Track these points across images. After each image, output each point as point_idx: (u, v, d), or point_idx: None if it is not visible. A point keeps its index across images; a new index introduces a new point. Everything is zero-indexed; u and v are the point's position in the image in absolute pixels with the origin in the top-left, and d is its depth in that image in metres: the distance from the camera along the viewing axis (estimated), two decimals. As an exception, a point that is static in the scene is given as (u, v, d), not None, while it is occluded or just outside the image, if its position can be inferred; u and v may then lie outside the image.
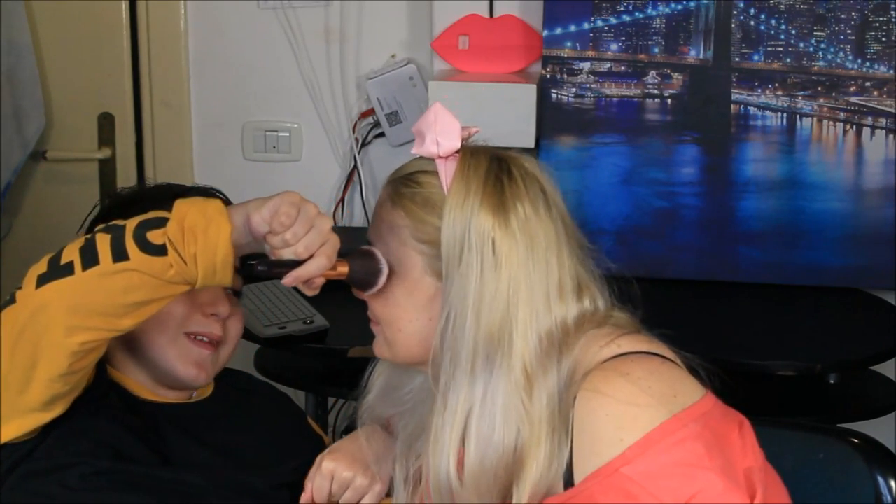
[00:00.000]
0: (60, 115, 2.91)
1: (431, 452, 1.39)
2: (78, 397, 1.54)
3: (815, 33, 2.52)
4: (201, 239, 1.41)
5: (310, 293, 1.45)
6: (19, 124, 2.80)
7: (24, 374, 1.47)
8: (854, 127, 2.54)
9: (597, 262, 1.47)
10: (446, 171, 1.42)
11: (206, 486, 1.60)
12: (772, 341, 2.39)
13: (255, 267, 1.41)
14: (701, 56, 2.56)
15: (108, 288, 1.42)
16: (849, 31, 2.50)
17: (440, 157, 1.43)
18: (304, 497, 1.60)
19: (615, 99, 2.61)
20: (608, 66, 2.59)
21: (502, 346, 1.37)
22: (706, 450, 1.30)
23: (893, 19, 2.49)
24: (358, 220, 2.83)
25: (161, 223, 1.42)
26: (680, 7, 2.54)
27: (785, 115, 2.56)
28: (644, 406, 1.31)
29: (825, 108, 2.54)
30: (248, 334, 2.23)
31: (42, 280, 1.43)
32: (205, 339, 1.68)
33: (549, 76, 2.59)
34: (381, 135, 2.79)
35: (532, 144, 2.53)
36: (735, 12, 2.53)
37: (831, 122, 2.55)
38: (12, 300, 1.46)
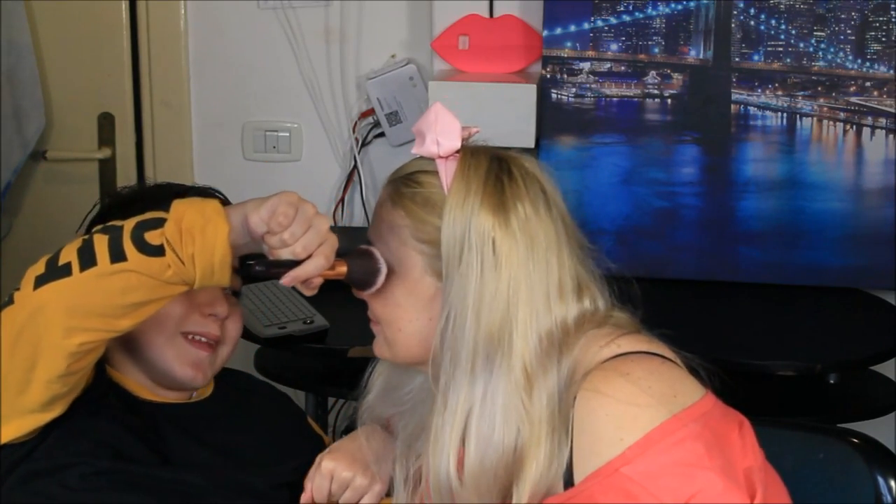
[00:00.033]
0: (60, 115, 2.91)
1: (431, 452, 1.39)
2: (77, 397, 1.54)
3: (815, 33, 2.52)
4: (199, 239, 1.41)
5: (308, 293, 1.45)
6: (19, 124, 2.79)
7: (23, 375, 1.47)
8: (854, 127, 2.54)
9: (597, 262, 1.47)
10: (446, 171, 1.42)
11: (206, 486, 1.60)
12: (772, 341, 2.39)
13: (253, 267, 1.41)
14: (701, 56, 2.56)
15: (106, 289, 1.42)
16: (849, 31, 2.50)
17: (440, 157, 1.43)
18: (304, 497, 1.60)
19: (615, 99, 2.61)
20: (608, 66, 2.59)
21: (502, 346, 1.37)
22: (706, 449, 1.30)
23: (893, 19, 2.49)
24: (358, 220, 2.83)
25: (159, 224, 1.42)
26: (680, 7, 2.54)
27: (785, 115, 2.56)
28: (644, 406, 1.31)
29: (825, 108, 2.55)
30: (248, 334, 2.24)
31: (40, 281, 1.43)
32: (203, 339, 1.68)
33: (549, 76, 2.59)
34: (381, 135, 2.79)
35: (532, 144, 2.53)
36: (735, 12, 2.53)
37: (831, 122, 2.55)
38: (10, 301, 1.46)
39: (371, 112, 2.77)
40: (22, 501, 1.53)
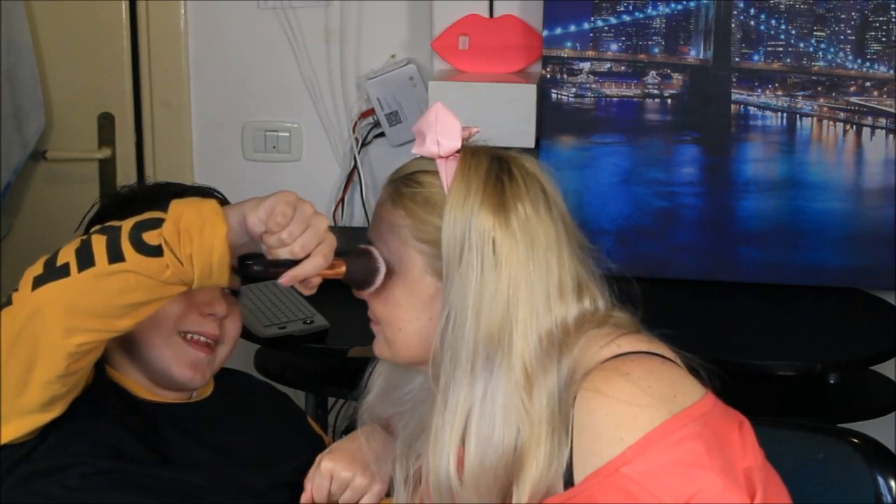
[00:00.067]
0: (60, 115, 2.91)
1: (431, 452, 1.39)
2: (77, 398, 1.54)
3: (815, 33, 2.52)
4: (197, 239, 1.41)
5: (306, 293, 1.45)
6: (19, 124, 2.79)
7: (21, 375, 1.47)
8: (854, 127, 2.54)
9: (597, 262, 1.47)
10: (447, 171, 1.42)
11: (206, 486, 1.60)
12: (772, 341, 2.39)
13: (252, 267, 1.41)
14: (701, 56, 2.56)
15: (104, 289, 1.42)
16: (849, 31, 2.50)
17: (441, 156, 1.43)
18: (303, 497, 1.60)
19: (615, 99, 2.61)
20: (608, 66, 2.59)
21: (502, 346, 1.37)
22: (706, 449, 1.30)
23: (893, 19, 2.49)
24: (358, 220, 2.83)
25: (157, 224, 1.42)
26: (680, 7, 2.54)
27: (785, 115, 2.56)
28: (644, 406, 1.31)
29: (825, 108, 2.55)
30: (248, 334, 2.24)
31: (38, 282, 1.43)
32: (201, 338, 1.68)
33: (549, 76, 2.59)
34: (381, 135, 2.79)
35: (532, 144, 2.53)
36: (735, 12, 2.53)
37: (831, 122, 2.55)
38: (9, 302, 1.46)
39: (371, 112, 2.77)
40: (22, 501, 1.53)
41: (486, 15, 2.65)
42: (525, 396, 1.36)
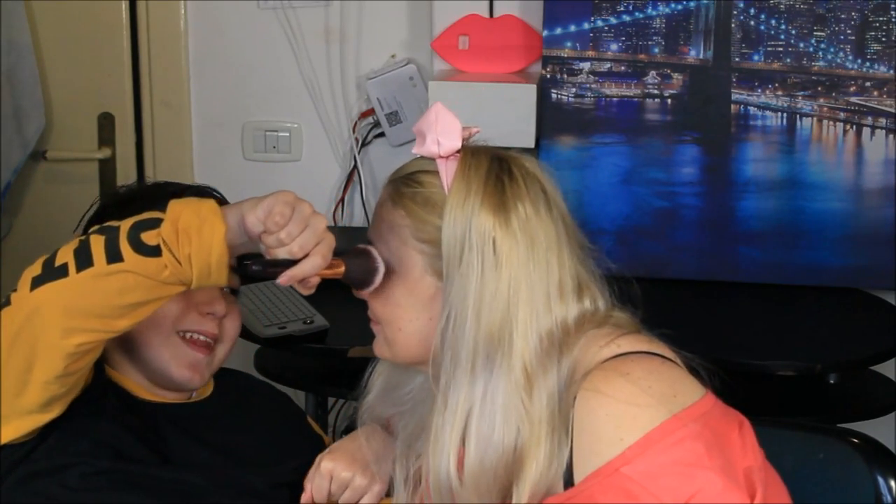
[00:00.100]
0: (60, 115, 2.91)
1: (431, 452, 1.39)
2: (77, 398, 1.54)
3: (815, 33, 2.52)
4: (195, 239, 1.41)
5: (305, 292, 1.45)
6: (19, 124, 2.79)
7: (20, 376, 1.47)
8: (854, 127, 2.54)
9: (597, 262, 1.47)
10: (447, 171, 1.42)
11: (206, 486, 1.60)
12: (772, 341, 2.39)
13: (250, 267, 1.41)
14: (701, 56, 2.56)
15: (102, 289, 1.42)
16: (849, 31, 2.50)
17: (441, 156, 1.43)
18: (303, 497, 1.60)
19: (615, 99, 2.61)
20: (608, 66, 2.59)
21: (502, 346, 1.37)
22: (706, 449, 1.30)
23: (893, 19, 2.49)
24: (358, 220, 2.83)
25: (155, 224, 1.42)
26: (680, 7, 2.54)
27: (785, 115, 2.56)
28: (644, 406, 1.31)
29: (825, 108, 2.54)
30: (248, 334, 2.24)
31: (36, 282, 1.43)
32: (201, 337, 1.68)
33: (549, 76, 2.59)
34: (381, 135, 2.79)
35: (532, 144, 2.53)
36: (735, 12, 2.53)
37: (831, 122, 2.55)
38: (7, 302, 1.46)
39: (371, 112, 2.77)
40: (22, 502, 1.53)
41: (486, 15, 2.65)
42: (525, 396, 1.36)
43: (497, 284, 1.38)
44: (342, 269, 1.44)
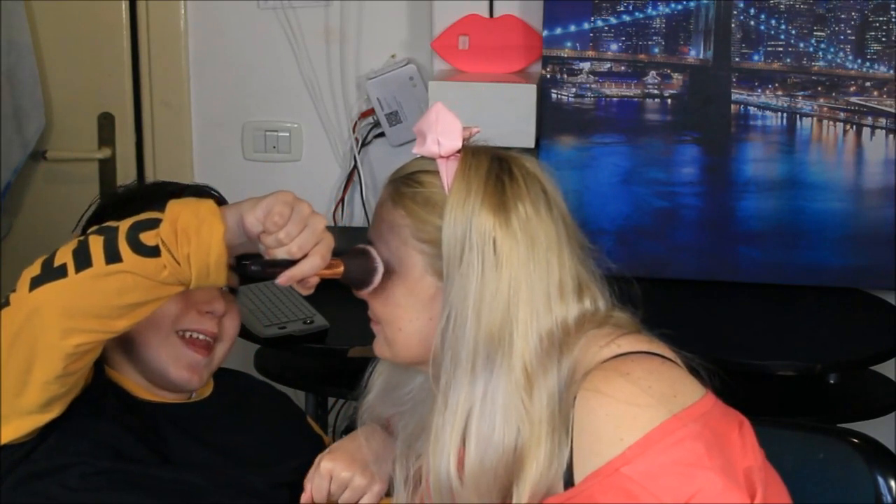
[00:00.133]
0: (60, 115, 2.91)
1: (432, 452, 1.39)
2: (77, 398, 1.54)
3: (815, 33, 2.52)
4: (194, 240, 1.41)
5: (304, 292, 1.45)
6: (19, 124, 2.79)
7: (20, 376, 1.47)
8: (854, 127, 2.54)
9: (597, 262, 1.47)
10: (447, 171, 1.42)
11: (206, 486, 1.60)
12: (772, 341, 2.39)
13: (249, 267, 1.41)
14: (701, 56, 2.56)
15: (101, 290, 1.42)
16: (849, 31, 2.50)
17: (441, 156, 1.43)
18: (303, 497, 1.60)
19: (615, 99, 2.61)
20: (608, 66, 2.59)
21: (503, 346, 1.37)
22: (706, 449, 1.30)
23: (893, 19, 2.49)
24: (358, 220, 2.83)
25: (154, 224, 1.42)
26: (680, 7, 2.54)
27: (785, 115, 2.56)
28: (644, 406, 1.31)
29: (825, 108, 2.55)
30: (248, 334, 2.24)
31: (35, 283, 1.43)
32: (200, 336, 1.68)
33: (549, 76, 2.59)
34: (381, 135, 2.79)
35: (532, 144, 2.53)
36: (735, 12, 2.53)
37: (831, 122, 2.55)
38: (7, 303, 1.46)
39: (371, 112, 2.77)
40: (22, 502, 1.53)
41: (486, 15, 2.65)
42: (525, 396, 1.36)
43: (497, 284, 1.38)
44: (341, 269, 1.45)
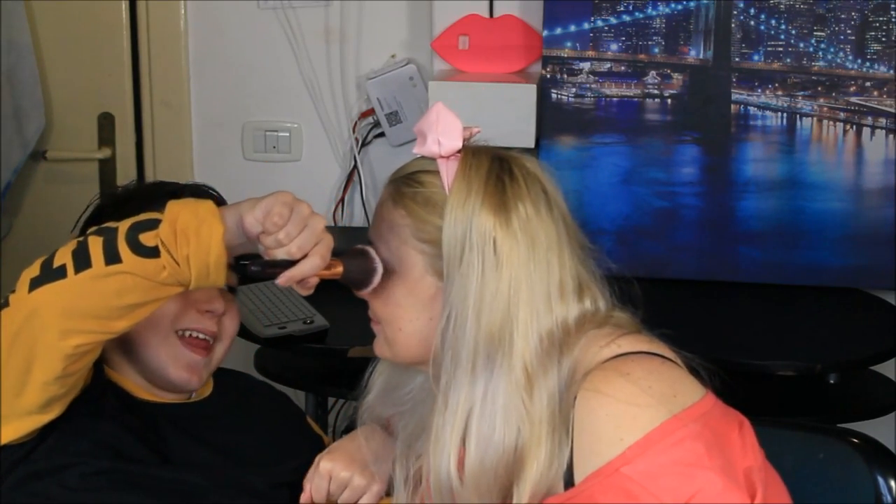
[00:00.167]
0: (60, 115, 2.91)
1: (432, 452, 1.39)
2: (76, 398, 1.54)
3: (815, 33, 2.52)
4: (193, 240, 1.41)
5: (304, 293, 1.45)
6: (19, 124, 2.79)
7: (19, 377, 1.47)
8: (854, 127, 2.54)
9: (597, 262, 1.47)
10: (448, 171, 1.42)
11: (206, 486, 1.60)
12: (772, 341, 2.39)
13: (249, 267, 1.41)
14: (701, 56, 2.56)
15: (101, 290, 1.42)
16: (849, 31, 2.50)
17: (442, 156, 1.43)
18: (303, 497, 1.60)
19: (615, 99, 2.61)
20: (608, 66, 2.59)
21: (503, 346, 1.37)
22: (706, 449, 1.30)
23: (893, 19, 2.49)
24: (358, 220, 2.83)
25: (153, 225, 1.42)
26: (680, 7, 2.54)
27: (785, 115, 2.56)
28: (644, 406, 1.31)
29: (825, 108, 2.55)
30: (248, 334, 2.24)
31: (35, 283, 1.43)
32: (200, 335, 1.68)
33: (549, 76, 2.59)
34: (381, 135, 2.79)
35: (532, 144, 2.53)
36: (735, 12, 2.53)
37: (831, 122, 2.55)
38: (6, 304, 1.46)
39: (371, 112, 2.77)
40: (21, 502, 1.53)
41: (486, 15, 2.65)
42: (525, 396, 1.36)
43: (497, 284, 1.38)
44: (340, 269, 1.45)
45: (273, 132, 2.86)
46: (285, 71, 2.82)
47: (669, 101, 2.59)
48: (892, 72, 2.50)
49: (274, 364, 2.46)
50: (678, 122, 2.60)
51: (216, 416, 1.72)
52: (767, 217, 2.59)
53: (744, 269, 2.61)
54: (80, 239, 1.44)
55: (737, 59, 2.55)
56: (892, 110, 2.51)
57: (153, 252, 1.41)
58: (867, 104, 2.52)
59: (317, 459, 1.60)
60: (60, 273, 1.42)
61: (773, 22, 2.52)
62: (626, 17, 2.56)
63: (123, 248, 1.41)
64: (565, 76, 2.59)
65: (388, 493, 1.59)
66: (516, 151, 1.47)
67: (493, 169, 1.42)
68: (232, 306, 1.73)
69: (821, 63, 2.53)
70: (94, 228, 1.47)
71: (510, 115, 2.50)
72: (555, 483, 1.35)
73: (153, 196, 1.64)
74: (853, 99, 2.53)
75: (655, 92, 2.59)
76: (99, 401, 1.59)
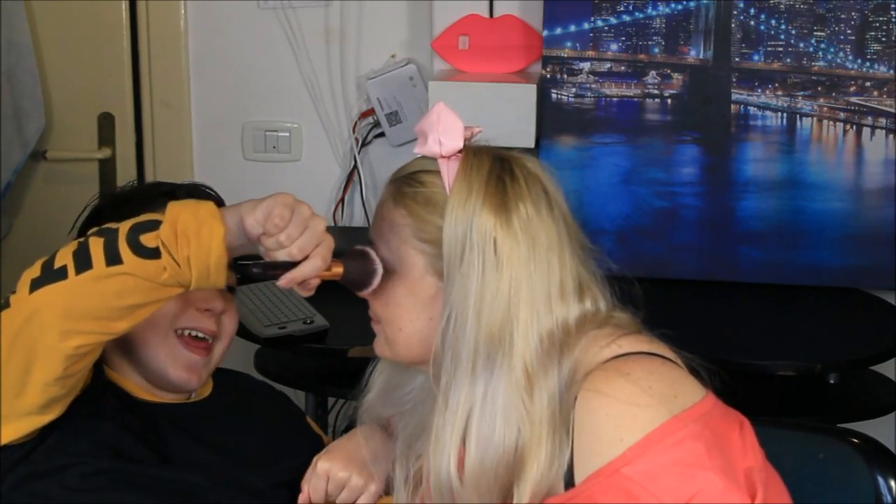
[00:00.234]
0: (60, 115, 2.91)
1: (432, 452, 1.39)
2: (76, 398, 1.54)
3: (815, 33, 2.52)
4: (194, 242, 1.41)
5: (305, 294, 1.45)
6: (19, 124, 2.79)
7: (20, 377, 1.47)
8: (854, 127, 2.54)
9: (598, 262, 1.47)
10: (448, 171, 1.42)
11: (206, 486, 1.60)
12: (772, 341, 2.39)
13: (250, 269, 1.42)
14: (701, 56, 2.56)
15: (101, 292, 1.42)
16: (849, 31, 2.50)
17: (443, 156, 1.43)
18: (301, 497, 1.60)
19: (615, 99, 2.61)
20: (608, 66, 2.59)
21: (503, 346, 1.37)
22: (706, 450, 1.30)
23: (893, 19, 2.49)
24: (358, 220, 2.83)
25: (154, 226, 1.42)
26: (680, 7, 2.54)
27: (785, 115, 2.56)
28: (644, 406, 1.31)
29: (825, 108, 2.55)
30: (248, 334, 2.24)
31: (35, 284, 1.43)
32: (199, 334, 1.68)
33: (549, 76, 2.59)
34: (381, 135, 2.79)
35: (532, 144, 2.53)
36: (735, 12, 2.53)
37: (831, 122, 2.55)
38: (6, 304, 1.46)
39: (371, 112, 2.77)
40: (21, 502, 1.53)
41: (486, 15, 2.65)
42: (526, 397, 1.36)
43: (498, 284, 1.38)
44: (341, 270, 1.45)
45: (273, 132, 2.86)
46: (285, 71, 2.82)
47: (669, 101, 2.59)
48: (892, 72, 2.50)
49: (274, 364, 2.46)
50: (678, 122, 2.60)
51: (216, 416, 1.72)
52: (767, 217, 2.59)
53: (744, 269, 2.61)
54: (81, 240, 1.44)
55: (737, 59, 2.55)
56: (892, 110, 2.51)
57: (154, 253, 1.41)
58: (867, 104, 2.52)
59: (315, 459, 1.60)
60: (61, 274, 1.42)
61: (773, 22, 2.52)
62: (626, 17, 2.56)
63: (124, 249, 1.41)
64: (565, 76, 2.59)
65: (387, 492, 1.59)
66: (517, 151, 1.47)
67: (494, 169, 1.42)
68: (231, 305, 1.73)
69: (821, 63, 2.53)
70: (94, 229, 1.47)
71: (510, 115, 2.50)
72: (555, 483, 1.35)
73: (151, 196, 1.65)
74: (853, 99, 2.53)
75: (655, 92, 2.59)
76: (99, 401, 1.59)
